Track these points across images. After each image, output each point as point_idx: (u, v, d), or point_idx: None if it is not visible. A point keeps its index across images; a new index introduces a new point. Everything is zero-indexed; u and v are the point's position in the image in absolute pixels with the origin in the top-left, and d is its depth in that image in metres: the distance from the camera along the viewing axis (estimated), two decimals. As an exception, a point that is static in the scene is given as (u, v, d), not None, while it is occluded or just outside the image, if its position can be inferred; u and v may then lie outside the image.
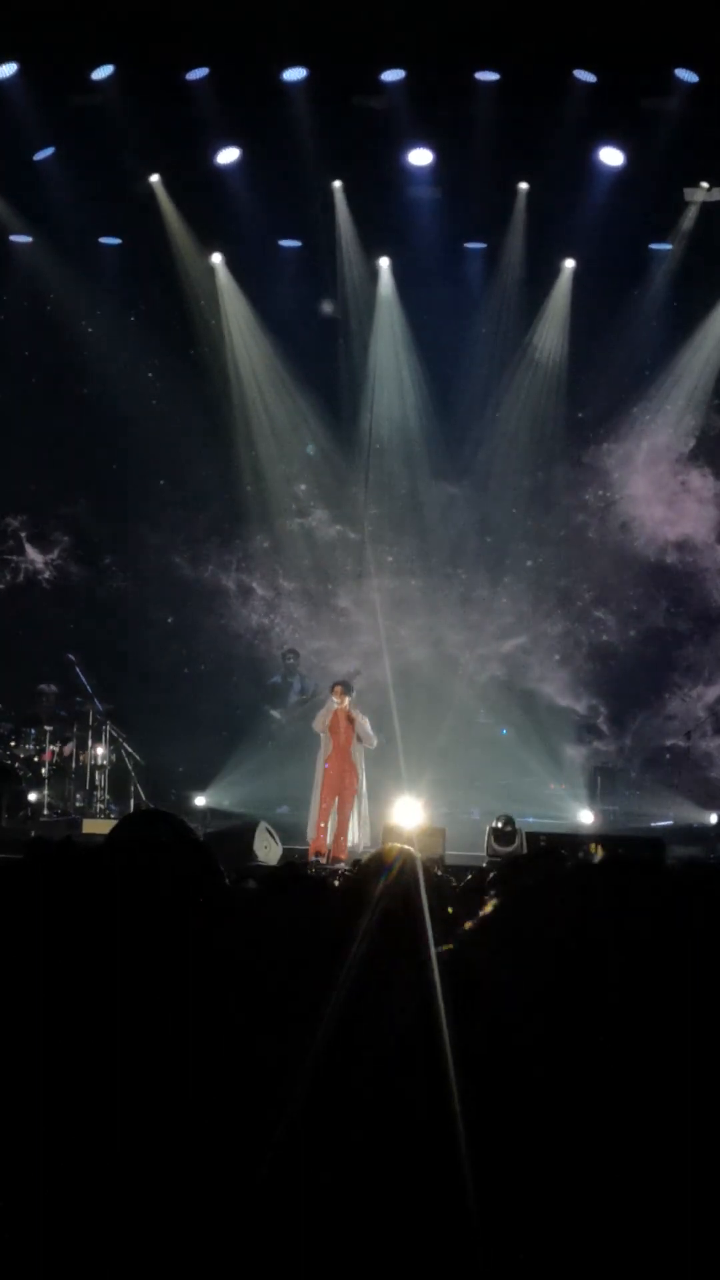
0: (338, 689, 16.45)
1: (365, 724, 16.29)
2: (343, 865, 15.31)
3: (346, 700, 16.29)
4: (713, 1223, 3.02)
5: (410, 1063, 3.17)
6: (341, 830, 16.08)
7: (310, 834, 16.25)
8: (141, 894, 3.68)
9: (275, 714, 20.32)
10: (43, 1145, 3.30)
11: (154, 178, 20.17)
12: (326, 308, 21.07)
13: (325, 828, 16.12)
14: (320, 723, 16.42)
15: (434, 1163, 3.07)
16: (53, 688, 19.13)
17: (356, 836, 16.22)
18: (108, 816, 17.84)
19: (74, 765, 18.74)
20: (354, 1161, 3.13)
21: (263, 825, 15.65)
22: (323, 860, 15.66)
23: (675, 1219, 3.03)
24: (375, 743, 16.42)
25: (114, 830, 4.62)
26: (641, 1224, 3.04)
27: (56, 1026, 3.41)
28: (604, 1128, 3.10)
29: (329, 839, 16.07)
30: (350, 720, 16.23)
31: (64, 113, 19.05)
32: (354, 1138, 3.16)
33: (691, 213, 19.99)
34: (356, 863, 5.08)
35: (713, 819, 18.24)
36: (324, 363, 21.19)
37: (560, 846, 12.50)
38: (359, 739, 16.22)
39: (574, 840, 15.92)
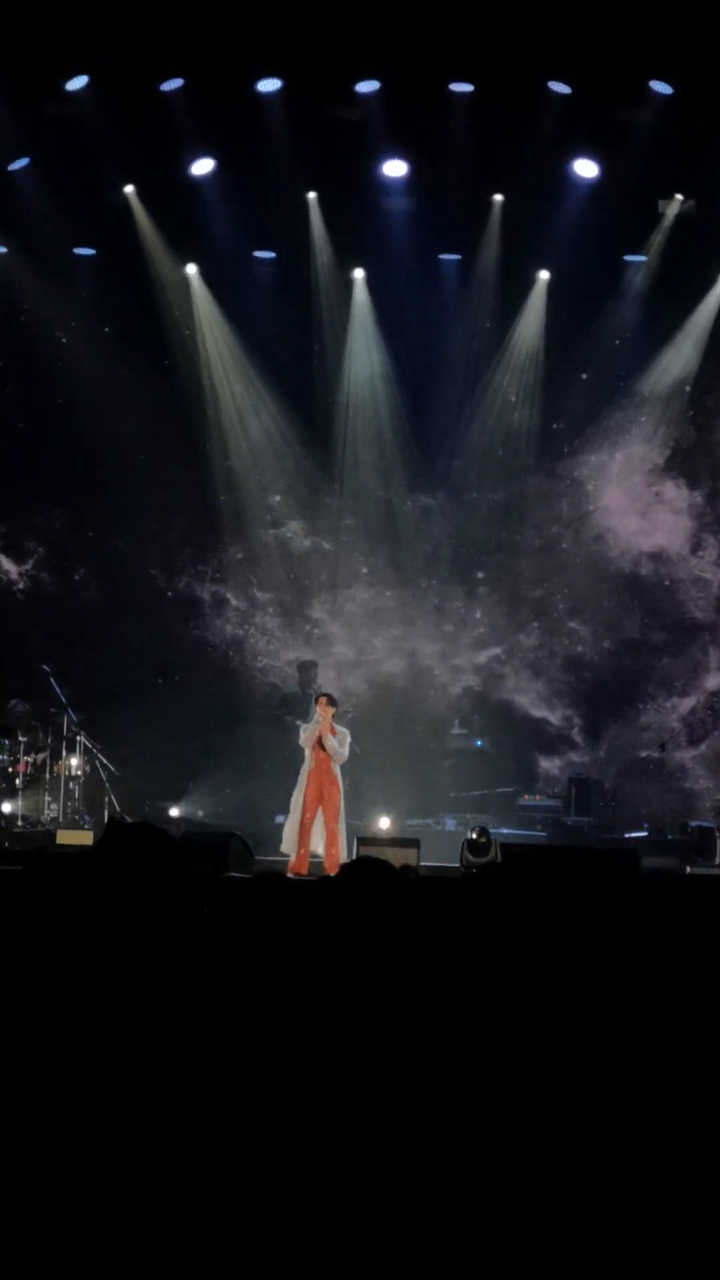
0: (322, 701, 16.25)
1: (336, 740, 15.96)
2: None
3: (331, 713, 16.09)
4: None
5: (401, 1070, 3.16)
6: (332, 842, 15.74)
7: (290, 849, 15.89)
8: (135, 902, 3.68)
9: (300, 724, 19.80)
10: (43, 1129, 3.29)
11: (129, 188, 20.14)
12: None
13: (307, 849, 15.79)
14: (307, 738, 16.15)
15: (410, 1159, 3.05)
16: (24, 705, 18.96)
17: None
18: (82, 828, 17.79)
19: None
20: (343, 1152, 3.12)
21: (236, 836, 15.59)
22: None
23: (675, 1220, 3.03)
24: (341, 759, 16.09)
25: (101, 840, 4.57)
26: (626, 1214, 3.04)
27: (57, 1027, 3.41)
28: (593, 1136, 3.09)
29: (320, 850, 15.75)
30: (333, 733, 16.02)
31: (38, 123, 19.02)
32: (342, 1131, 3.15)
33: (666, 225, 20.08)
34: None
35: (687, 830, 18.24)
36: (298, 374, 21.16)
37: (534, 860, 12.50)
38: (327, 752, 15.95)
39: (548, 852, 15.92)
